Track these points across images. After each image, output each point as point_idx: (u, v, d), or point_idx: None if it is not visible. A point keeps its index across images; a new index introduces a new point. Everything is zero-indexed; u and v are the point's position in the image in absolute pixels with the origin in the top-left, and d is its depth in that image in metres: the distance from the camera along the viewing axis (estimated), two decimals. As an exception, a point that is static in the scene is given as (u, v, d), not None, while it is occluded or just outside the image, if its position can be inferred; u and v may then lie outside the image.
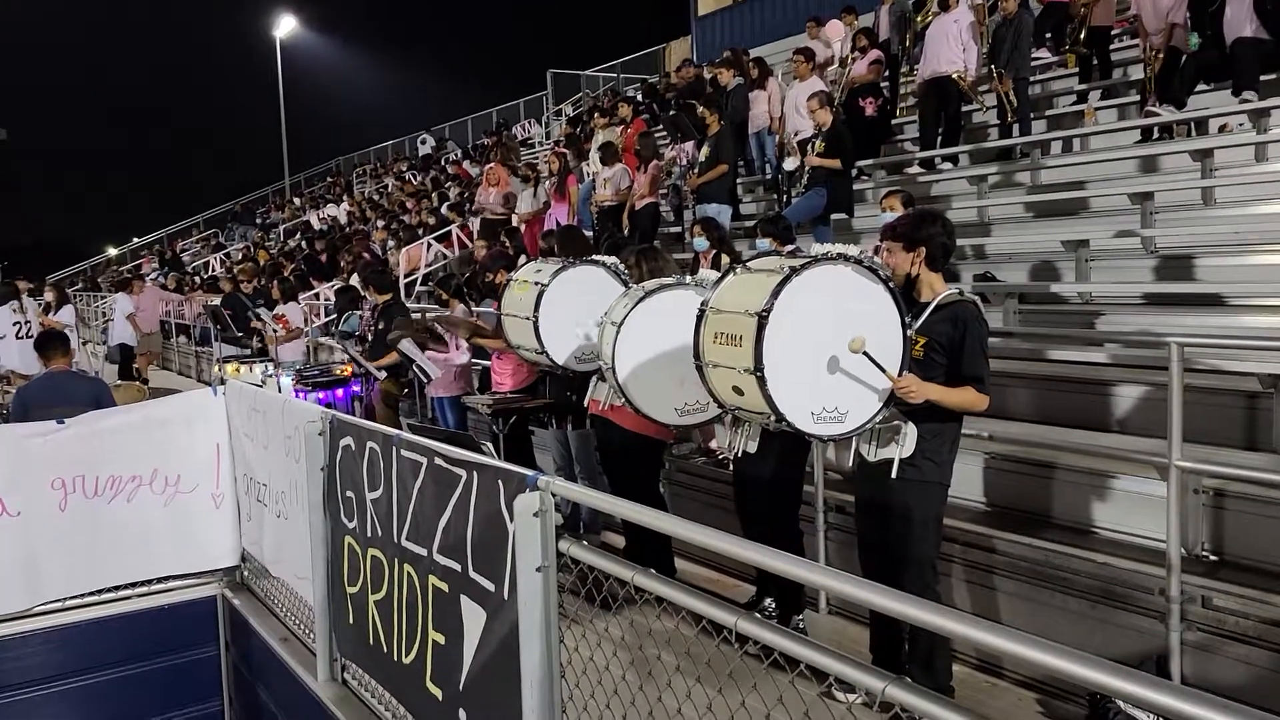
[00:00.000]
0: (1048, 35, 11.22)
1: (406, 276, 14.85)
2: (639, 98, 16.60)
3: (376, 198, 24.36)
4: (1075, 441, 4.88)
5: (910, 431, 3.74)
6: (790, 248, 6.36)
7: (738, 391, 3.64)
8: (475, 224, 14.33)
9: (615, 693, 2.64)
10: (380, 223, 19.00)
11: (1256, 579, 3.89)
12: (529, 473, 2.75)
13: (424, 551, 3.36)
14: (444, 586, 3.24)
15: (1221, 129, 8.04)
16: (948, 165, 9.95)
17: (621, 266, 5.28)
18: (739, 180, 11.22)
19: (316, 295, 14.85)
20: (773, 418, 3.54)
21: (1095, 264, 7.08)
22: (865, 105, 10.79)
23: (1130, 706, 3.47)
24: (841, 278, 3.61)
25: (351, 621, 4.02)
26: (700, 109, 10.30)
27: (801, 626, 4.62)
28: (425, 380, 7.67)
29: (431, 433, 4.01)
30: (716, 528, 2.33)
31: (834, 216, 8.97)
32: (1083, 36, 10.20)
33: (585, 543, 2.71)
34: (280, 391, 8.02)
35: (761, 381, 3.45)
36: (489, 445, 3.96)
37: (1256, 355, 4.68)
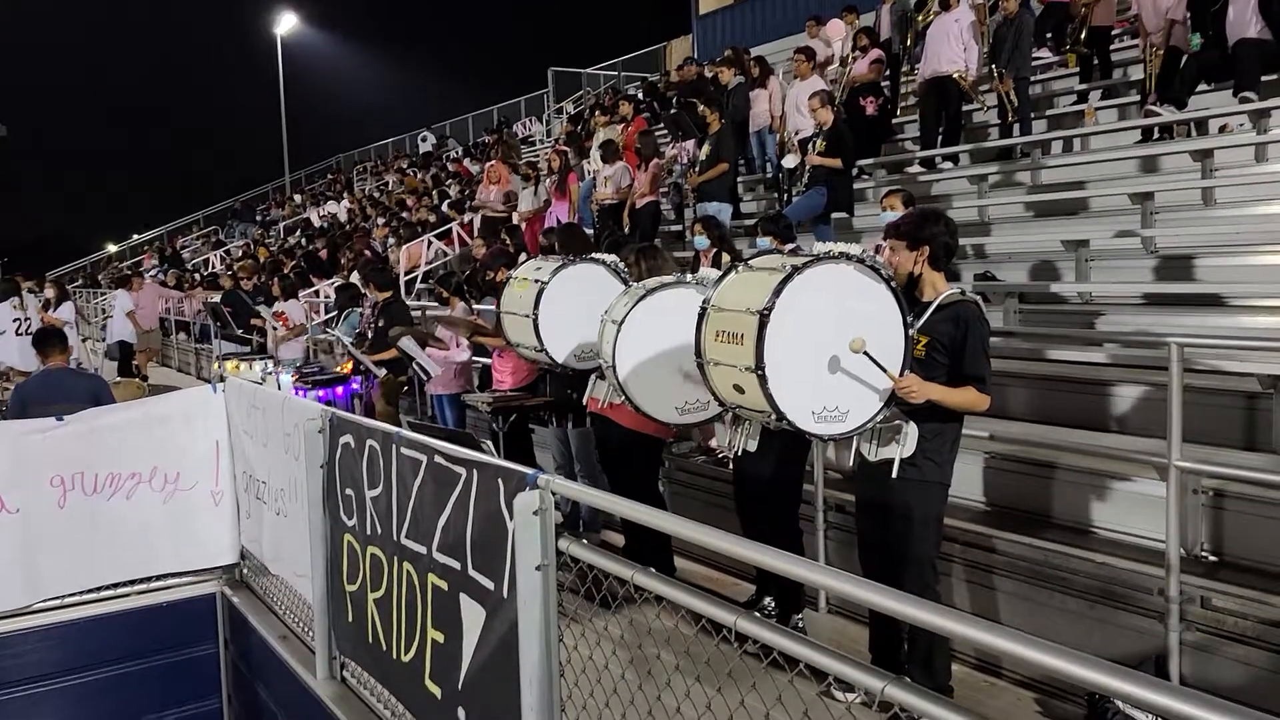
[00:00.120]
0: (1048, 35, 11.23)
1: (407, 274, 14.84)
2: (640, 96, 16.57)
3: (377, 195, 24.35)
4: (1075, 441, 4.87)
5: (911, 431, 3.74)
6: (791, 246, 6.37)
7: (739, 390, 3.63)
8: (476, 221, 14.33)
9: (614, 691, 2.64)
10: (380, 220, 19.01)
11: (1256, 579, 3.88)
12: (529, 471, 2.76)
13: (423, 549, 3.36)
14: (443, 585, 3.24)
15: (1222, 129, 8.04)
16: (948, 165, 9.96)
17: (622, 265, 5.28)
18: (739, 179, 11.22)
19: (317, 293, 14.85)
20: (773, 416, 3.54)
21: (1095, 264, 7.09)
22: (866, 104, 10.78)
23: (1129, 707, 3.47)
24: (843, 277, 3.60)
25: (351, 619, 4.02)
26: (701, 107, 10.30)
27: (801, 626, 4.62)
28: (425, 378, 7.67)
29: (432, 431, 4.01)
30: (716, 526, 2.32)
31: (834, 215, 8.97)
32: (1083, 36, 10.21)
33: (585, 541, 2.71)
34: (280, 389, 8.02)
35: (762, 380, 3.44)
36: (489, 443, 3.96)
37: (1256, 355, 4.67)
